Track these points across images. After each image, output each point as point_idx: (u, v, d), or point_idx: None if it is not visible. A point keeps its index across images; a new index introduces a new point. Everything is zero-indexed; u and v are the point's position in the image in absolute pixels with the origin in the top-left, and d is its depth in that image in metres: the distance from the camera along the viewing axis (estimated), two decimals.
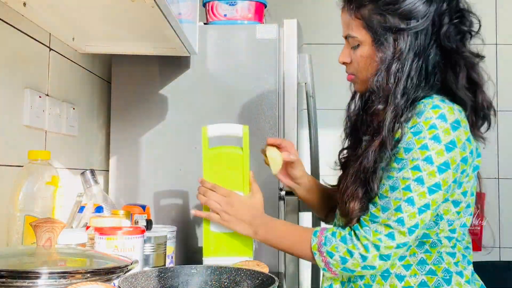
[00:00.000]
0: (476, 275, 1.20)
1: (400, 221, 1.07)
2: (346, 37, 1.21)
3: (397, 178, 1.08)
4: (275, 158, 1.32)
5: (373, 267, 1.11)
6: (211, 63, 1.73)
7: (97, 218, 1.14)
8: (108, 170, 1.76)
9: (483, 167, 1.18)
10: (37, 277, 0.68)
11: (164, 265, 1.27)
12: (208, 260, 1.30)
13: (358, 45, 1.17)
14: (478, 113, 1.15)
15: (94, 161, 1.73)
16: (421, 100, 1.10)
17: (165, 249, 1.27)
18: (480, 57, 1.16)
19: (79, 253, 0.87)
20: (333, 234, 1.14)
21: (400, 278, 1.13)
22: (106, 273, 0.73)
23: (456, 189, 1.11)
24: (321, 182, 1.48)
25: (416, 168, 1.06)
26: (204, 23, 1.77)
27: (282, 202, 1.68)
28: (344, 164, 1.31)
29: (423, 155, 1.06)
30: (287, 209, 1.69)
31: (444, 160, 1.06)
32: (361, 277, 1.16)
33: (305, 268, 1.96)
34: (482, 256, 1.77)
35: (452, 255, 1.14)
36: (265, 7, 1.80)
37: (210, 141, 1.33)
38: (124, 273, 0.77)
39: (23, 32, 1.25)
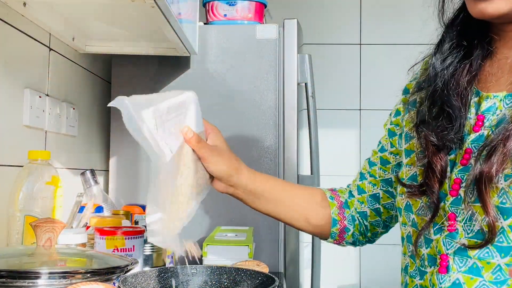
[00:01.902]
0: None
1: None
2: None
3: None
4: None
5: None
6: (211, 63, 1.73)
7: (97, 218, 1.14)
8: (108, 170, 1.76)
9: None
10: (37, 277, 0.67)
11: (164, 265, 1.27)
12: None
13: None
14: None
15: (94, 161, 1.73)
16: None
17: (165, 249, 1.27)
18: None
19: (79, 253, 0.87)
20: None
21: None
22: (106, 273, 0.73)
23: None
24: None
25: None
26: (204, 23, 1.77)
27: None
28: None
29: None
30: None
31: None
32: None
33: (305, 268, 1.96)
34: None
35: None
36: (265, 7, 1.80)
37: None
38: (124, 273, 0.77)
39: (23, 32, 1.25)
